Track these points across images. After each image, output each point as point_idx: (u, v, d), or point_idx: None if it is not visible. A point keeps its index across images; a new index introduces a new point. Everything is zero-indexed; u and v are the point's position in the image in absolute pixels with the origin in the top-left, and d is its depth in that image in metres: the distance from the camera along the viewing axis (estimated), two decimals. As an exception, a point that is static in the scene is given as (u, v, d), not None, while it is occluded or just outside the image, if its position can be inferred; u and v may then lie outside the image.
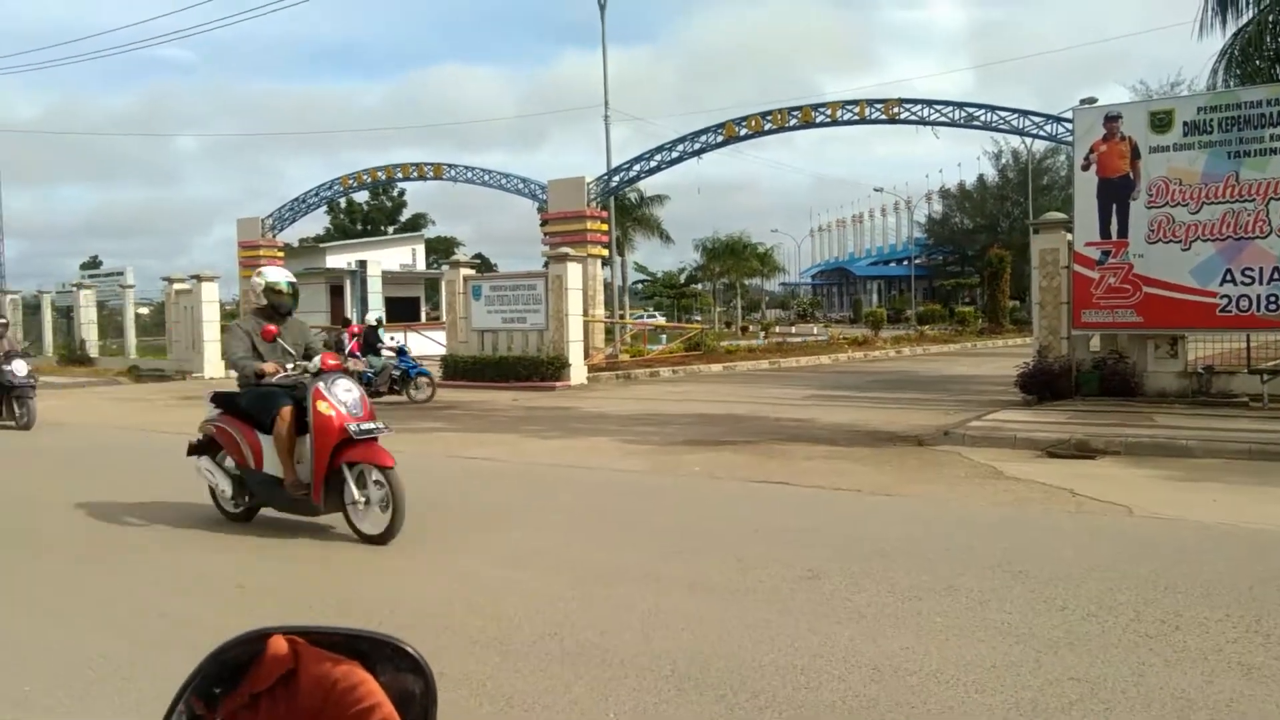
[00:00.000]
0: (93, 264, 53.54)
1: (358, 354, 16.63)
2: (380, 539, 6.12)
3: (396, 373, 16.79)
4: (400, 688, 1.04)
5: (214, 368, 25.17)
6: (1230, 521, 6.51)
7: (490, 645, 4.24)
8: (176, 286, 26.96)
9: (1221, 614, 4.43)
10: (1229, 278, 12.53)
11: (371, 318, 17.67)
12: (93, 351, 30.62)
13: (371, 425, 6.34)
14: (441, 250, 60.66)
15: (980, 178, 66.63)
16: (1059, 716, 3.33)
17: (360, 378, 15.76)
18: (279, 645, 1.02)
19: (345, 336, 17.76)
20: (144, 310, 33.33)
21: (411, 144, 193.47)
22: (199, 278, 25.86)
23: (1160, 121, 13.05)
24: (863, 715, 3.39)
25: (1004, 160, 61.71)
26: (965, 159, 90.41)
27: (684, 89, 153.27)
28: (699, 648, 4.11)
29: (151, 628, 4.64)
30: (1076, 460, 9.35)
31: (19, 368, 13.75)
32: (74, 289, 31.81)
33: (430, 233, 64.65)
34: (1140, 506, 7.04)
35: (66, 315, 32.35)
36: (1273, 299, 12.27)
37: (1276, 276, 12.22)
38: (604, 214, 24.72)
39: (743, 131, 22.13)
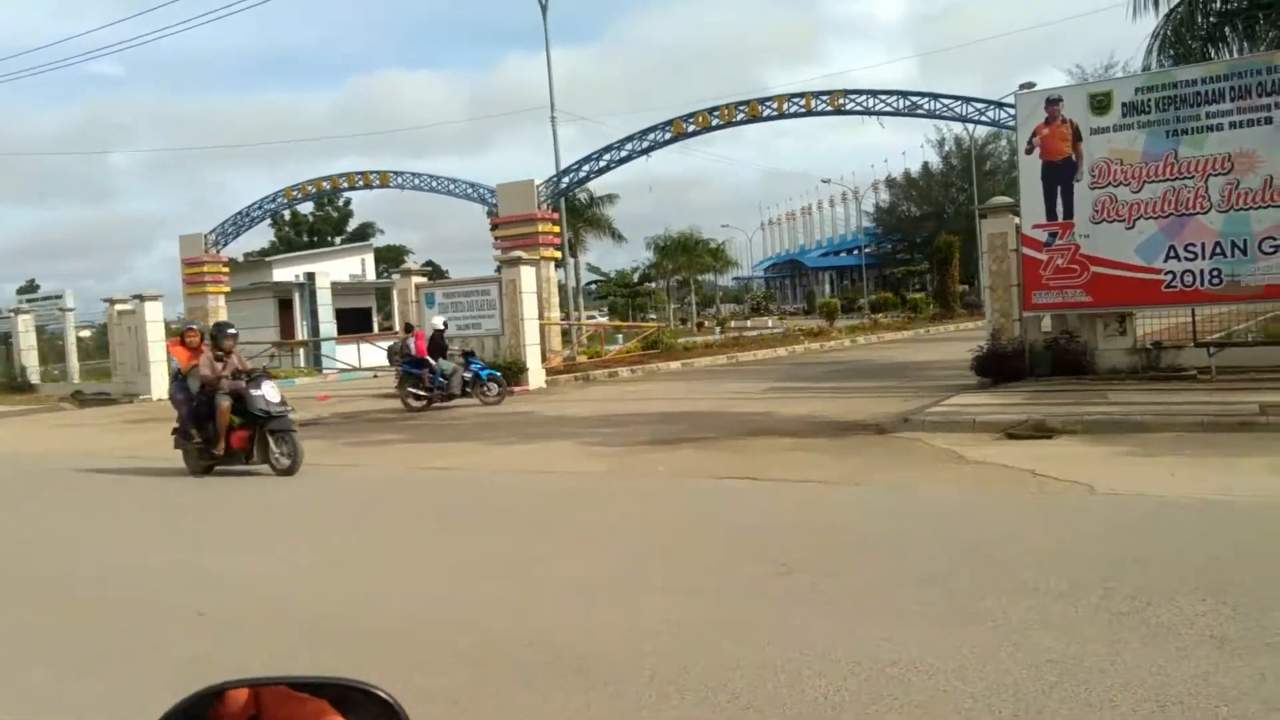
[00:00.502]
0: (30, 288, 52.22)
1: (428, 357, 16.78)
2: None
3: (468, 375, 16.80)
4: None
5: (162, 389, 24.59)
6: (1189, 494, 6.62)
7: (465, 659, 4.15)
8: (119, 307, 26.29)
9: (1189, 587, 4.48)
10: (1172, 254, 12.78)
11: (438, 321, 17.63)
12: (34, 378, 29.77)
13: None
14: (391, 259, 60.10)
15: (925, 165, 67.56)
16: (1041, 699, 3.33)
17: (430, 380, 16.61)
18: (238, 695, 0.98)
19: (411, 341, 17.72)
20: (86, 333, 32.49)
21: (358, 152, 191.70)
22: (142, 297, 25.24)
23: (1099, 103, 13.28)
24: (846, 710, 3.37)
25: (947, 147, 62.64)
26: (910, 147, 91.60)
27: (633, 88, 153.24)
28: (677, 651, 4.06)
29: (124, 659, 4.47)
30: (1035, 441, 9.46)
31: (271, 392, 10.25)
32: (11, 314, 30.90)
33: (379, 242, 64.01)
34: (1101, 484, 7.13)
35: (4, 341, 31.43)
36: (1215, 273, 12.55)
37: (1218, 251, 12.49)
38: (555, 216, 24.59)
39: (690, 128, 22.14)
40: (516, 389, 19.22)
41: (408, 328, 18.76)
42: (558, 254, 24.89)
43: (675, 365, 24.26)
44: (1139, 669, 3.55)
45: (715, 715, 3.40)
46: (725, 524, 6.65)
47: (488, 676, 3.95)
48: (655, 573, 5.40)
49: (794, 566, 5.26)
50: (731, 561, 5.48)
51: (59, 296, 31.46)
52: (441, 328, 17.32)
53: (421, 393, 16.64)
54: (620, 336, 32.32)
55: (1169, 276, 12.84)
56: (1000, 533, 5.85)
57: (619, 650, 4.15)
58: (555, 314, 24.86)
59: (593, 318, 44.23)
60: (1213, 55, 17.77)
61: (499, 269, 20.62)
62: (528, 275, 20.09)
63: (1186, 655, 3.66)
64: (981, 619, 4.22)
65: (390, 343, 21.61)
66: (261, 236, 65.49)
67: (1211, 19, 18.48)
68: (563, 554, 6.05)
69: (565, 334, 26.58)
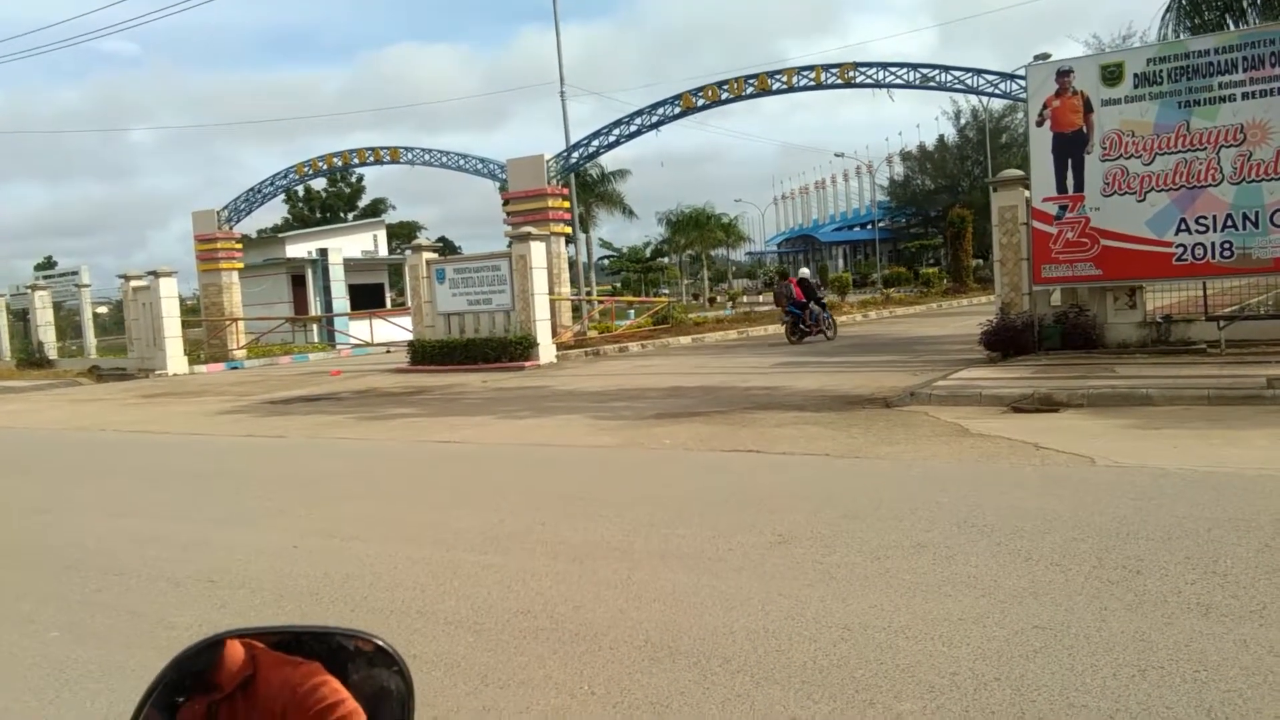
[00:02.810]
0: (47, 264, 52.59)
1: (804, 300, 21.26)
2: None
3: (826, 316, 21.70)
4: (375, 684, 1.04)
5: (177, 364, 24.85)
6: (1190, 466, 6.65)
7: (464, 625, 4.25)
8: (134, 284, 26.52)
9: (1181, 557, 4.53)
10: (1183, 227, 12.71)
11: (805, 272, 22.13)
12: (52, 353, 30.11)
13: None
14: (404, 235, 60.15)
15: (940, 138, 66.83)
16: (1023, 664, 3.40)
17: (809, 317, 21.13)
18: (235, 651, 1.01)
19: (791, 288, 21.58)
20: (102, 309, 32.78)
21: (371, 128, 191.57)
22: (156, 273, 25.44)
23: (1111, 75, 13.17)
24: (833, 674, 3.44)
25: (963, 120, 61.95)
26: (925, 120, 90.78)
27: (648, 63, 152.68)
28: (672, 618, 4.15)
29: (120, 627, 4.60)
30: (1041, 414, 9.49)
31: None
32: (29, 291, 31.21)
33: (391, 218, 64.13)
34: (1102, 456, 7.17)
35: (23, 318, 31.76)
36: (1226, 246, 12.48)
37: (1229, 223, 12.42)
38: (565, 191, 24.59)
39: (700, 102, 22.05)
40: (526, 364, 19.32)
41: (783, 275, 24.98)
42: (568, 229, 24.93)
43: (686, 340, 24.30)
44: (1123, 636, 3.61)
45: (706, 679, 3.49)
46: (726, 496, 6.72)
47: (485, 642, 4.04)
48: (655, 543, 5.48)
49: (790, 537, 5.34)
50: (729, 532, 5.55)
51: (75, 273, 31.68)
52: (809, 277, 21.88)
53: (803, 328, 21.21)
54: (632, 311, 32.36)
55: (1180, 249, 12.78)
56: (998, 504, 5.90)
57: (615, 617, 4.23)
58: (566, 289, 24.94)
59: (608, 293, 44.27)
60: (1229, 26, 17.56)
61: (509, 244, 20.65)
62: (538, 251, 20.13)
63: (1171, 623, 3.72)
64: (972, 587, 4.29)
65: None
66: (275, 213, 65.77)
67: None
68: (564, 525, 6.14)
69: (576, 309, 26.65)
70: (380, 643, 1.05)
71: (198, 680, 1.01)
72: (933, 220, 63.99)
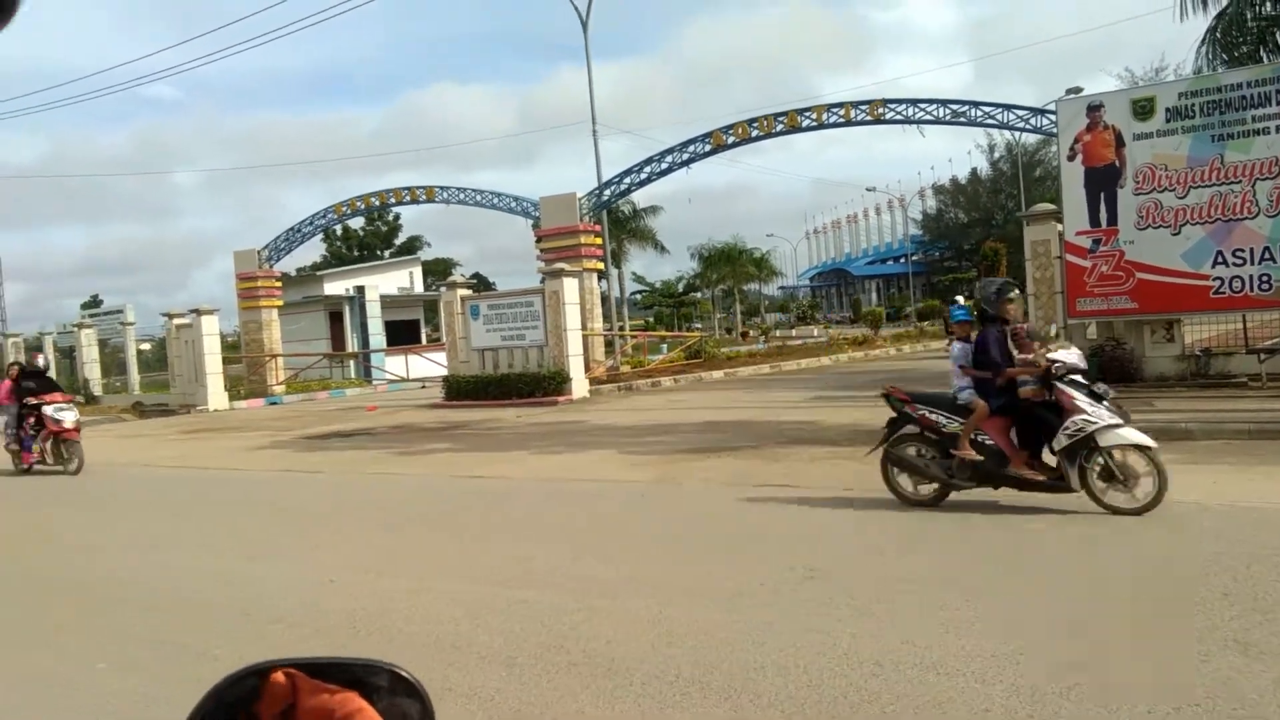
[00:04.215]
0: (93, 303, 53.75)
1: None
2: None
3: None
4: (398, 712, 1.06)
5: (218, 399, 25.26)
6: (1229, 501, 6.56)
7: (497, 659, 4.29)
8: (177, 321, 27.08)
9: (1219, 593, 4.47)
10: (1220, 260, 12.59)
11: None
12: (96, 390, 30.74)
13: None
14: (439, 272, 60.86)
15: (973, 171, 66.84)
16: (1057, 702, 3.38)
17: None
18: (278, 679, 1.03)
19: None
20: (145, 346, 33.47)
21: (407, 167, 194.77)
22: (198, 311, 25.98)
23: (1142, 109, 13.14)
24: (865, 710, 3.44)
25: (997, 153, 61.89)
26: (958, 154, 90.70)
27: (680, 98, 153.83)
28: (703, 653, 4.16)
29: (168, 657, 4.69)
30: (1076, 449, 9.37)
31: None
32: (75, 329, 31.94)
33: (427, 255, 64.86)
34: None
35: (69, 355, 32.48)
36: (1265, 278, 12.34)
37: (1267, 256, 12.29)
38: (597, 228, 24.84)
39: (730, 139, 22.26)
40: (560, 399, 19.43)
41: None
42: (600, 265, 25.13)
43: (718, 374, 24.32)
44: (1160, 673, 3.58)
45: (737, 713, 3.50)
46: (757, 531, 6.73)
47: (519, 676, 4.09)
48: (686, 578, 5.50)
49: (821, 572, 5.33)
50: (761, 566, 5.56)
51: (120, 311, 32.42)
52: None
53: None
54: (664, 346, 32.45)
55: (1217, 282, 12.64)
56: (1030, 539, 5.86)
57: (646, 652, 4.26)
58: (598, 324, 25.09)
59: (640, 328, 44.46)
60: (1264, 58, 17.45)
61: (542, 280, 20.87)
62: (570, 287, 20.32)
63: (1209, 660, 3.68)
64: (1004, 623, 4.27)
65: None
66: (313, 251, 66.82)
67: (1263, 21, 18.15)
68: (596, 560, 6.18)
69: (609, 344, 26.80)
70: (404, 673, 1.07)
71: (236, 709, 1.03)
72: (966, 254, 63.73)
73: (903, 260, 70.46)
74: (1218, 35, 18.31)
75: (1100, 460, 6.35)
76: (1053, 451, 6.59)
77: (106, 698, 4.18)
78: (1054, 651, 3.87)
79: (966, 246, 63.24)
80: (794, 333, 51.54)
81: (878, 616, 4.51)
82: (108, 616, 5.58)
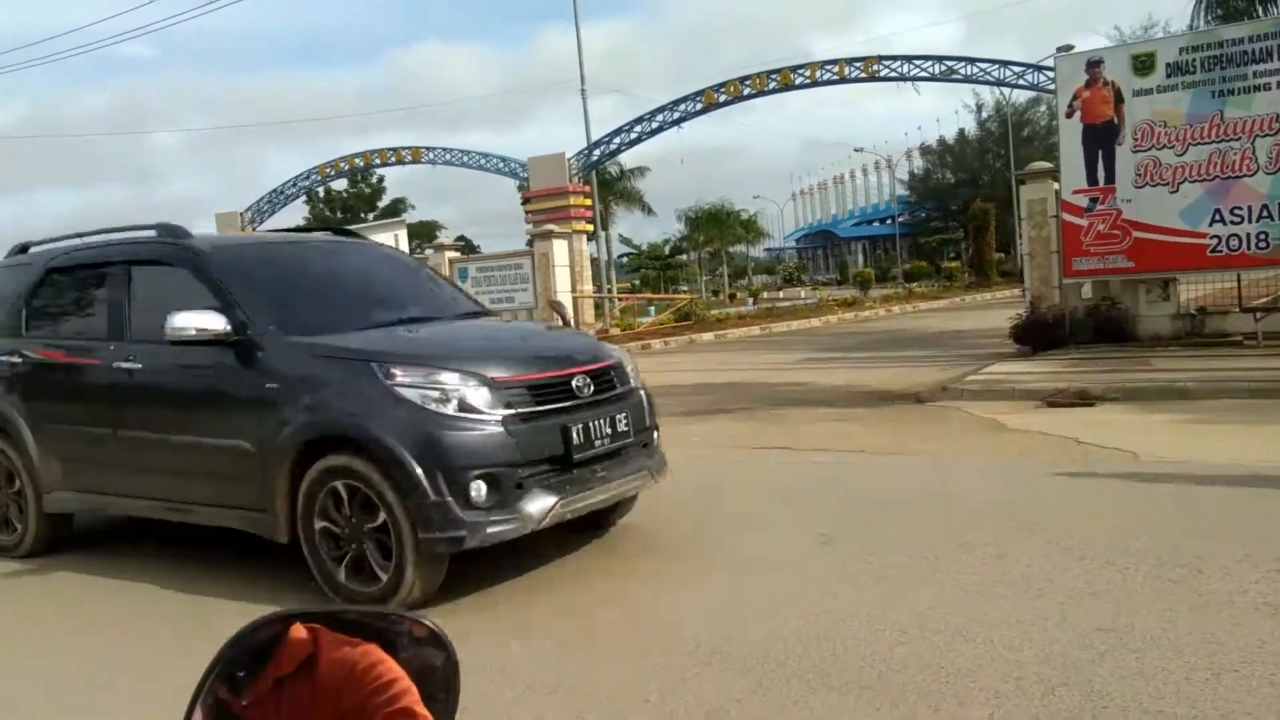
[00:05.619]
0: (72, 268, 52.92)
1: None
2: None
3: None
4: (421, 661, 1.08)
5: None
6: (1236, 461, 6.49)
7: (510, 632, 4.18)
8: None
9: (1241, 555, 4.39)
10: (1218, 218, 12.49)
11: None
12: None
13: None
14: (424, 235, 60.23)
15: (961, 132, 66.32)
16: (1090, 668, 3.29)
17: None
18: (299, 631, 1.05)
19: None
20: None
21: (393, 128, 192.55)
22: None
23: (1142, 64, 12.95)
24: (893, 678, 3.35)
25: (985, 113, 61.39)
26: (945, 114, 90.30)
27: (671, 59, 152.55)
28: (719, 622, 4.06)
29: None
30: (1077, 408, 9.33)
31: None
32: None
33: (412, 217, 64.16)
34: (1146, 451, 7.02)
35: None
36: (1262, 236, 12.25)
37: (1265, 214, 12.19)
38: (586, 189, 24.57)
39: (722, 98, 21.96)
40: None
41: None
42: (589, 227, 24.88)
43: (708, 337, 24.19)
44: (1191, 638, 3.49)
45: (760, 684, 3.40)
46: (761, 494, 6.63)
47: (528, 650, 3.98)
48: (692, 545, 5.40)
49: (833, 536, 5.24)
50: (770, 532, 5.46)
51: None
52: None
53: None
54: (653, 308, 32.27)
55: (1214, 241, 12.55)
56: (1044, 501, 5.78)
57: (663, 622, 4.16)
58: (588, 287, 24.87)
59: (627, 290, 44.25)
60: (1259, 14, 17.29)
61: (530, 243, 20.63)
62: (560, 248, 20.11)
63: (1239, 624, 3.60)
64: (1027, 587, 4.18)
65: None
66: (296, 214, 65.94)
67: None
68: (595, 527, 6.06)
69: (598, 306, 26.60)
70: (428, 623, 1.09)
71: (260, 657, 1.05)
72: (953, 214, 63.47)
73: (889, 221, 70.21)
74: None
75: None
76: None
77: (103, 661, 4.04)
78: (1079, 617, 3.77)
79: (954, 207, 62.92)
80: (781, 295, 51.43)
81: (896, 582, 4.40)
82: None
